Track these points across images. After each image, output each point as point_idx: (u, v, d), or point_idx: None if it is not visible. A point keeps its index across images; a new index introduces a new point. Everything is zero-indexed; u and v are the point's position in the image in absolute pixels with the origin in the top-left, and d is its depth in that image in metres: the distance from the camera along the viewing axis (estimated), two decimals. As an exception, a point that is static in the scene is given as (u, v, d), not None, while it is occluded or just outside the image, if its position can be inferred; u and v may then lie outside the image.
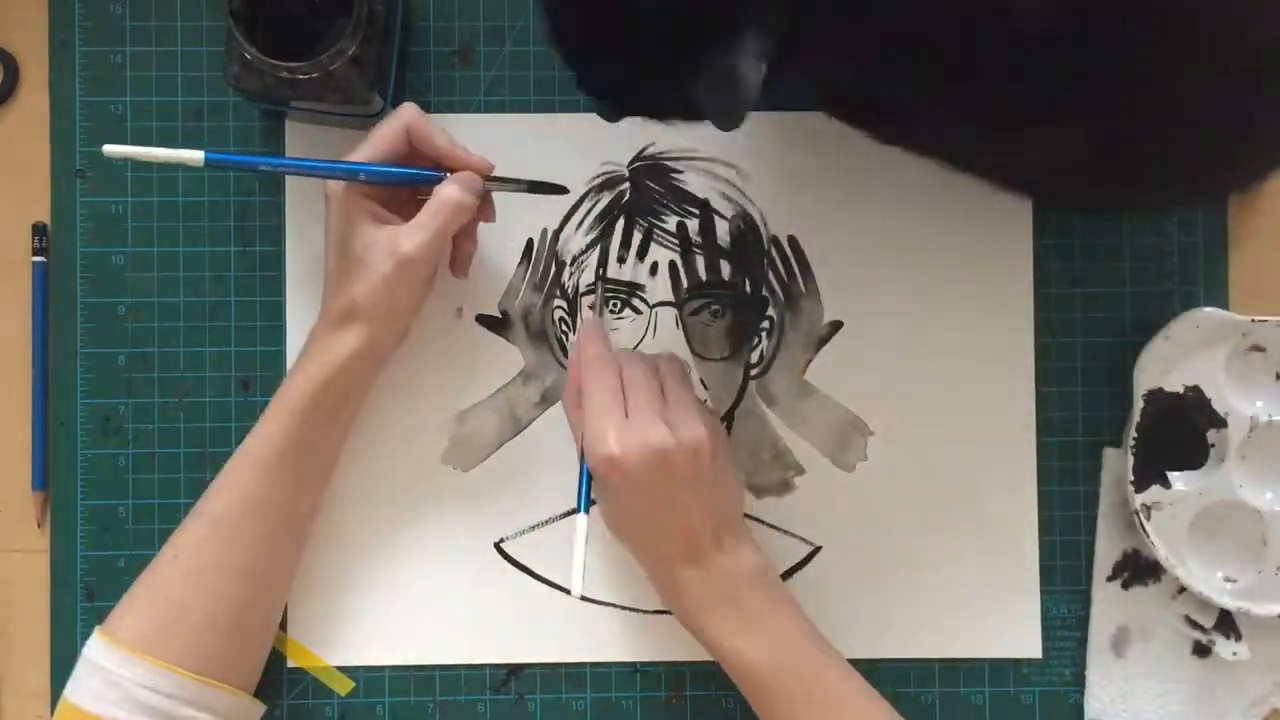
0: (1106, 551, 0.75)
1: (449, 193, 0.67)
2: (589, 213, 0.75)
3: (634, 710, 0.75)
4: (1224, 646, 0.74)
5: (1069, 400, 0.76)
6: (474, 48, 0.75)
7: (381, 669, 0.74)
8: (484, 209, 0.70)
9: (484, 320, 0.75)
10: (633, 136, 0.74)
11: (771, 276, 0.75)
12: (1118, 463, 0.75)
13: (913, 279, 0.75)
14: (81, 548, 0.74)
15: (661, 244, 0.75)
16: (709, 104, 0.56)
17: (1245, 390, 0.74)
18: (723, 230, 0.75)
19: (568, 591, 0.74)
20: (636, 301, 0.75)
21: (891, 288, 0.75)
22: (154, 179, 0.75)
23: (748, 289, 0.75)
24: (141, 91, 0.75)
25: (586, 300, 0.75)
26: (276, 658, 0.73)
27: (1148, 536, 0.73)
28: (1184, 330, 0.73)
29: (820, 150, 0.75)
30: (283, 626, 0.73)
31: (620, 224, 0.75)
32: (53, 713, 0.67)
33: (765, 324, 0.75)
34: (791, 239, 0.75)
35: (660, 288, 0.75)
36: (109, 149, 0.66)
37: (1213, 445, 0.74)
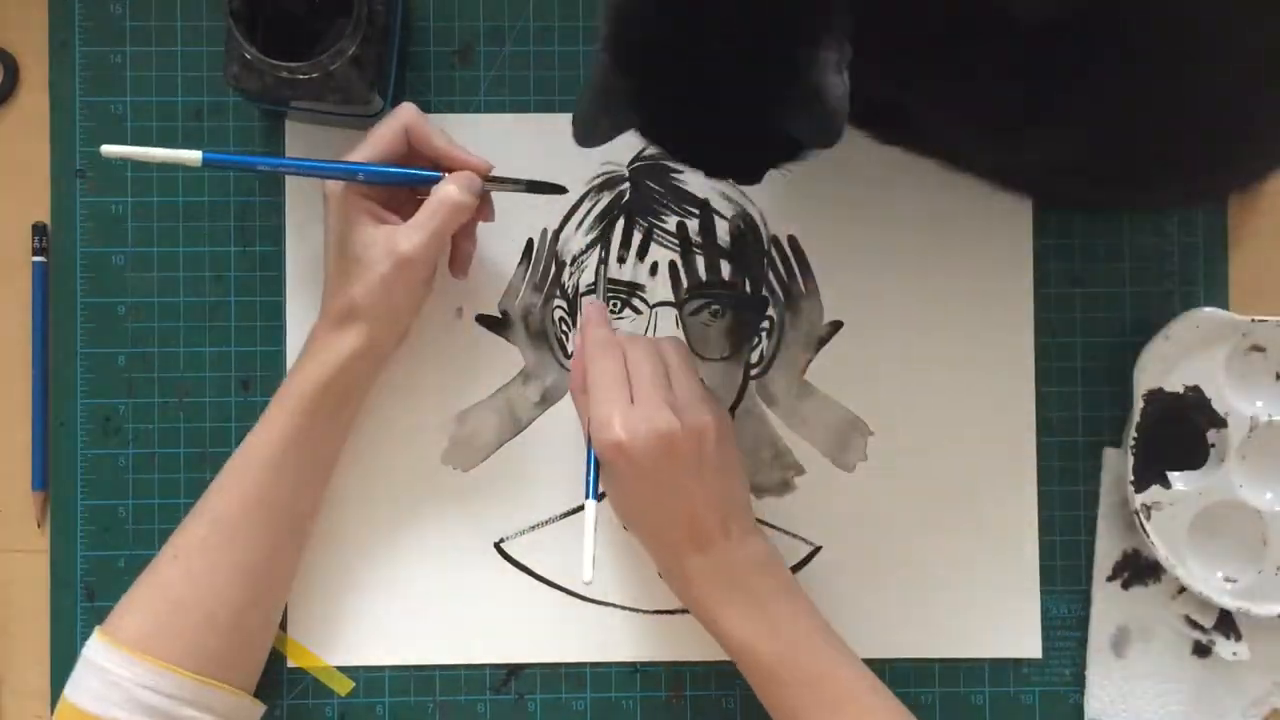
0: (1106, 551, 0.75)
1: (447, 192, 0.67)
2: (589, 213, 0.75)
3: (634, 710, 0.75)
4: (1224, 646, 0.74)
5: (1069, 400, 0.76)
6: (474, 48, 0.75)
7: (381, 669, 0.74)
8: (483, 209, 0.70)
9: (484, 320, 0.75)
10: (632, 136, 0.74)
11: (771, 276, 0.75)
12: (1118, 463, 0.75)
13: (913, 279, 0.75)
14: (81, 548, 0.74)
15: (661, 244, 0.75)
16: (805, 130, 0.56)
17: (1245, 390, 0.74)
18: (723, 230, 0.75)
19: (573, 593, 0.74)
20: (636, 301, 0.75)
21: (891, 288, 0.75)
22: (154, 179, 0.75)
23: (748, 289, 0.75)
24: (141, 91, 0.75)
25: (588, 299, 0.75)
26: (276, 658, 0.73)
27: (1148, 536, 0.73)
28: (1184, 330, 0.73)
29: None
30: (283, 626, 0.73)
31: (620, 224, 0.75)
32: (53, 713, 0.67)
33: (765, 324, 0.75)
34: (791, 239, 0.75)
35: (660, 288, 0.75)
36: (107, 149, 0.66)
37: (1213, 445, 0.74)
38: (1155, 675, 0.75)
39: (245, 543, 0.68)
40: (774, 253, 0.75)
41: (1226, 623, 0.75)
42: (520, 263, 0.75)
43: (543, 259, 0.75)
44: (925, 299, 0.75)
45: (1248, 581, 0.73)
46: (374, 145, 0.68)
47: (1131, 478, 0.73)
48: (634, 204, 0.75)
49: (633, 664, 0.75)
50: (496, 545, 0.75)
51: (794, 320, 0.75)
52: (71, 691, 0.66)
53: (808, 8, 0.54)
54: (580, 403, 0.69)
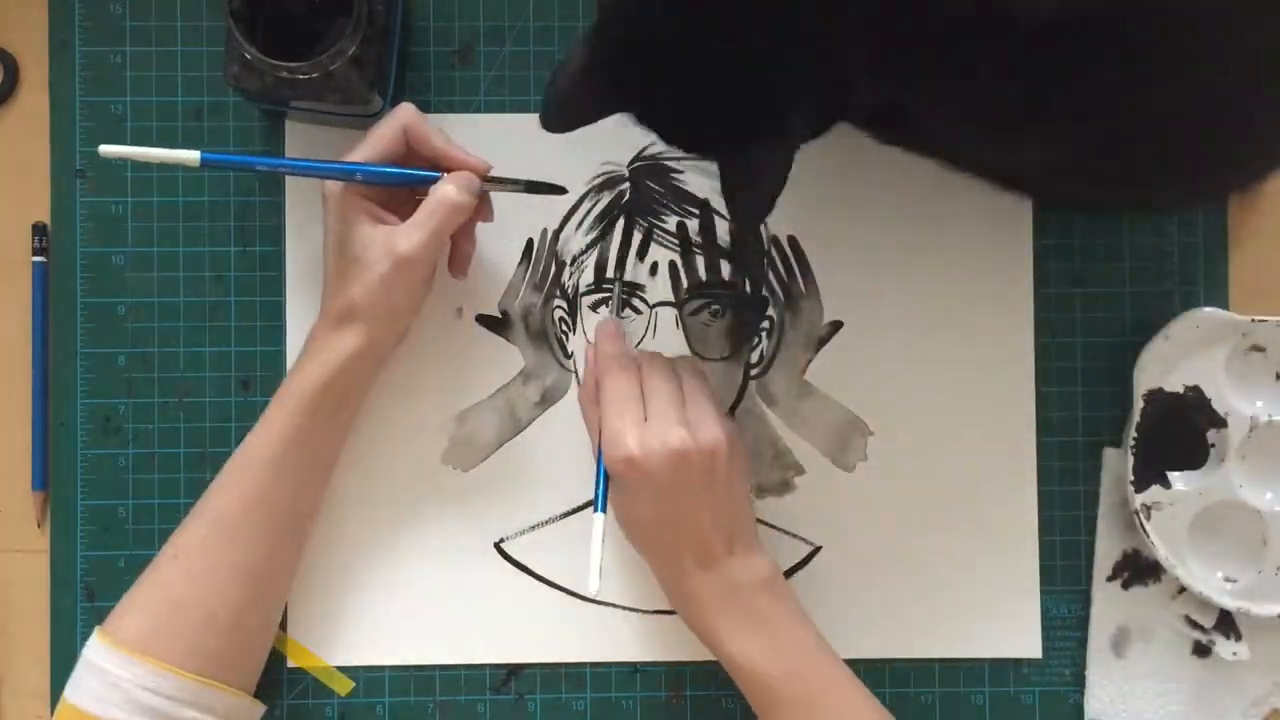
0: (1106, 551, 0.75)
1: (445, 192, 0.67)
2: (589, 213, 0.75)
3: (634, 710, 0.75)
4: (1224, 646, 0.74)
5: (1069, 400, 0.75)
6: (474, 48, 0.75)
7: (381, 669, 0.74)
8: (482, 209, 0.70)
9: (484, 320, 0.75)
10: (632, 136, 0.74)
11: (771, 276, 0.75)
12: (1118, 463, 0.75)
13: (913, 279, 0.75)
14: (81, 548, 0.74)
15: (661, 244, 0.75)
16: (739, 200, 0.58)
17: (1245, 390, 0.74)
18: (723, 230, 0.75)
19: (573, 593, 0.74)
20: (636, 301, 0.75)
21: (891, 288, 0.75)
22: (154, 179, 0.75)
23: (748, 289, 0.75)
24: (141, 91, 0.75)
25: (587, 300, 0.75)
26: (276, 658, 0.73)
27: (1148, 536, 0.73)
28: (1184, 330, 0.73)
29: (820, 150, 0.75)
30: (283, 626, 0.73)
31: (620, 224, 0.75)
32: (53, 713, 0.67)
33: (765, 324, 0.75)
34: (791, 239, 0.75)
35: (660, 288, 0.75)
36: (105, 149, 0.66)
37: (1213, 445, 0.74)
38: (1155, 675, 0.75)
39: (245, 543, 0.68)
40: (774, 253, 0.75)
41: (1226, 623, 0.75)
42: (520, 263, 0.75)
43: (543, 259, 0.75)
44: (925, 299, 0.75)
45: (1248, 581, 0.73)
46: (373, 145, 0.68)
47: (1131, 478, 0.73)
48: (634, 204, 0.75)
49: (633, 664, 0.75)
50: (496, 545, 0.75)
51: (794, 320, 0.75)
52: (71, 692, 0.66)
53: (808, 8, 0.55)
54: (590, 416, 0.69)
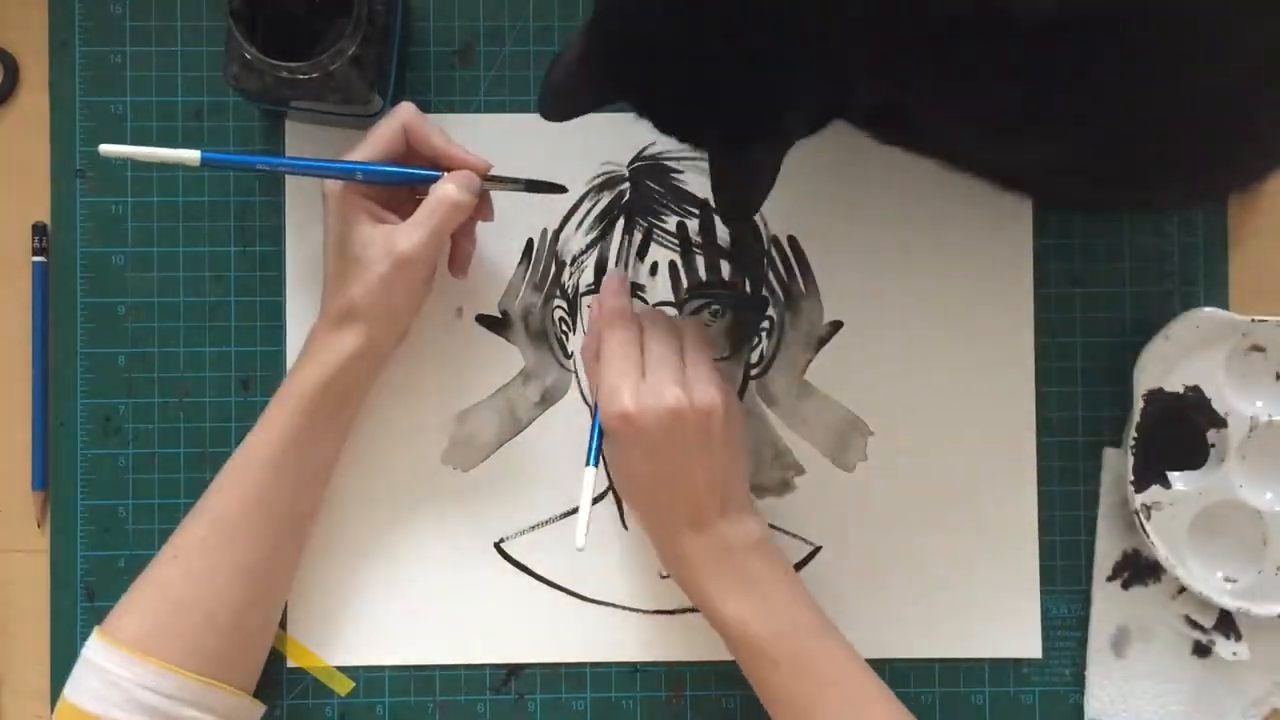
0: (1106, 551, 0.75)
1: (445, 191, 0.67)
2: (589, 213, 0.75)
3: (634, 710, 0.75)
4: (1224, 646, 0.74)
5: (1069, 400, 0.75)
6: (474, 48, 0.75)
7: (381, 669, 0.74)
8: (482, 208, 0.70)
9: (484, 320, 0.75)
10: (633, 136, 0.74)
11: (771, 276, 0.75)
12: (1118, 463, 0.75)
13: (913, 279, 0.75)
14: (81, 548, 0.74)
15: (661, 244, 0.75)
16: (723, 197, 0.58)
17: (1245, 390, 0.74)
18: (723, 230, 0.75)
19: (573, 593, 0.74)
20: (636, 301, 0.75)
21: (891, 288, 0.75)
22: (154, 179, 0.75)
23: (748, 289, 0.75)
24: (141, 91, 0.75)
25: (587, 300, 0.75)
26: (276, 658, 0.73)
27: (1148, 536, 0.73)
28: (1184, 330, 0.73)
29: (820, 150, 0.75)
30: (283, 626, 0.73)
31: (620, 224, 0.75)
32: (53, 713, 0.67)
33: (765, 324, 0.75)
34: (791, 239, 0.75)
35: (660, 288, 0.75)
36: (105, 149, 0.66)
37: (1213, 445, 0.74)
38: (1155, 675, 0.75)
39: (245, 543, 0.68)
40: (774, 253, 0.75)
41: (1226, 623, 0.75)
42: (520, 263, 0.75)
43: (543, 259, 0.75)
44: (925, 299, 0.75)
45: (1248, 581, 0.73)
46: (373, 145, 0.68)
47: (1131, 478, 0.73)
48: (634, 204, 0.75)
49: (633, 664, 0.75)
50: (496, 545, 0.75)
51: (794, 320, 0.75)
52: (71, 692, 0.66)
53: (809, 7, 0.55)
54: (591, 370, 0.69)
